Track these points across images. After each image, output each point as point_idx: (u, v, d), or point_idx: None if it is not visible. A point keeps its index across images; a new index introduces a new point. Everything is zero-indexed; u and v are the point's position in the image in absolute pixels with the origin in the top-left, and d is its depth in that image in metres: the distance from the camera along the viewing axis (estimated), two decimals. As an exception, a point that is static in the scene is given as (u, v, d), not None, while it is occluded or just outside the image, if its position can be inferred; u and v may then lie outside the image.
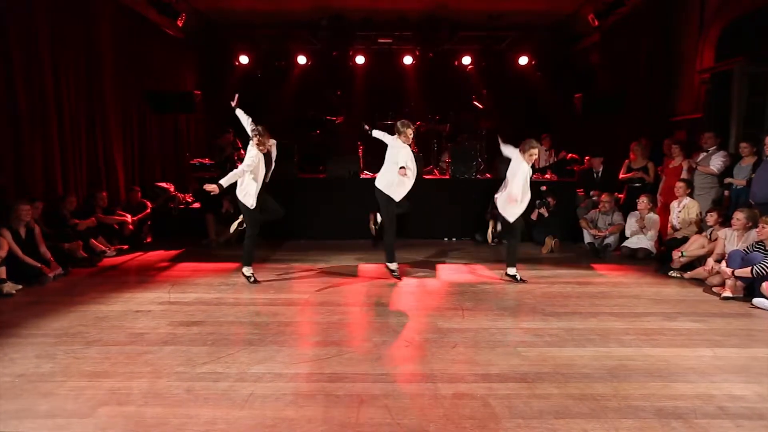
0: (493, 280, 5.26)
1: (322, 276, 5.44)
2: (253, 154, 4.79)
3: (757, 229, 4.64)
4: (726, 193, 6.03)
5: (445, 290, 4.94)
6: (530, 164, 4.97)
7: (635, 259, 6.18)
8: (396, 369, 3.17)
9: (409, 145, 5.08)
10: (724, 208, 5.77)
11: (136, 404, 2.74)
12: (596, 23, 8.32)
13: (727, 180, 5.84)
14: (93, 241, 6.12)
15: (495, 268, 5.78)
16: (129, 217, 6.91)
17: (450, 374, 3.08)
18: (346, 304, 4.50)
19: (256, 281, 5.01)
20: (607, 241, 6.55)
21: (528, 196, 4.98)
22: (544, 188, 7.16)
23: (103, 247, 6.21)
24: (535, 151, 4.95)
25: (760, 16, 6.44)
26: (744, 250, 4.69)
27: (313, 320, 4.09)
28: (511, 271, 5.17)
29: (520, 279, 5.12)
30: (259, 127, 4.85)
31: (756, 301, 4.36)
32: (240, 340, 3.62)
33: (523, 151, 4.92)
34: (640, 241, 6.29)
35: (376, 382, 2.98)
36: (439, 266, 5.90)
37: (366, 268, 5.81)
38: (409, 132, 5.02)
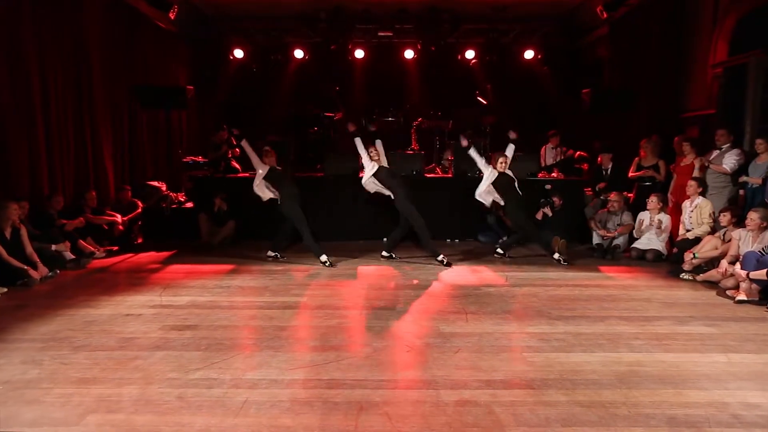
0: (497, 283, 5.26)
1: (320, 278, 5.44)
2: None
3: (773, 230, 4.64)
4: (741, 192, 6.02)
5: (447, 293, 4.93)
6: (498, 170, 6.05)
7: (645, 261, 6.18)
8: (396, 375, 3.17)
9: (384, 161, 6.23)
10: (738, 207, 5.76)
11: (126, 412, 2.73)
12: (605, 15, 8.31)
13: (742, 178, 5.83)
14: (81, 242, 6.12)
15: (499, 270, 5.78)
16: (119, 217, 6.91)
17: (453, 380, 3.08)
18: (344, 307, 4.50)
19: (332, 264, 5.92)
20: (616, 242, 6.54)
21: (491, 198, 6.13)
22: (548, 187, 7.15)
23: (92, 249, 6.22)
24: (502, 159, 6.04)
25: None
26: (760, 251, 4.68)
27: (311, 324, 4.09)
28: (500, 250, 6.36)
29: (504, 254, 6.29)
30: (266, 148, 6.08)
31: (771, 304, 4.36)
32: (234, 344, 3.62)
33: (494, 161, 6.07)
34: (651, 242, 6.29)
35: (376, 389, 2.98)
36: (442, 268, 5.88)
37: (365, 270, 5.81)
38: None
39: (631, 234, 6.54)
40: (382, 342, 3.68)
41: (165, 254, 6.50)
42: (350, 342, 3.73)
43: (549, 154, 8.79)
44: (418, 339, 3.74)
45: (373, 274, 5.67)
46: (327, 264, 5.85)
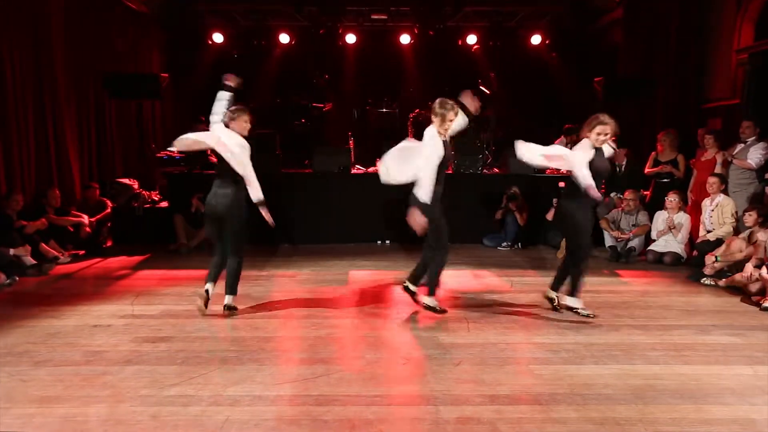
0: (501, 289, 5.28)
1: (308, 285, 5.44)
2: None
3: (802, 230, 4.68)
4: (767, 189, 6.07)
5: (447, 300, 4.94)
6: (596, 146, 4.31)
7: (663, 265, 6.22)
8: (392, 390, 3.17)
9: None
10: (764, 206, 5.80)
11: (93, 432, 2.72)
12: (619, -4, 8.37)
13: (769, 175, 5.88)
14: (43, 245, 6.08)
15: (504, 275, 5.80)
16: (86, 218, 6.87)
17: (453, 396, 3.09)
18: (334, 316, 4.50)
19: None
20: (631, 244, 6.58)
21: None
22: (562, 185, 7.19)
23: (56, 253, 6.17)
24: (603, 128, 4.29)
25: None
26: (786, 253, 4.73)
27: (298, 335, 4.08)
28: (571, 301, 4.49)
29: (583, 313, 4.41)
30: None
31: (800, 311, 4.40)
32: (214, 358, 3.61)
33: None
34: (669, 244, 6.33)
35: (370, 405, 2.98)
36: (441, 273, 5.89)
37: (357, 275, 5.82)
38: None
39: (647, 235, 6.59)
40: (376, 354, 3.68)
41: (137, 259, 6.48)
42: (341, 354, 3.72)
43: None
44: (415, 350, 3.74)
45: (365, 279, 5.67)
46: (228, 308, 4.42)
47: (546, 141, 8.90)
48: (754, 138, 6.09)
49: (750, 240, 5.41)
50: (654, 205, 6.80)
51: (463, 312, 4.56)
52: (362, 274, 5.87)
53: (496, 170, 8.07)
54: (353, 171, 7.66)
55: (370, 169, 7.87)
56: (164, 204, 7.83)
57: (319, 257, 6.53)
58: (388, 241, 7.39)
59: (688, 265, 6.05)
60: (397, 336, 4.02)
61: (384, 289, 5.30)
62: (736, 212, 5.87)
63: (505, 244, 7.21)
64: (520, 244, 7.20)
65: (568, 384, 3.23)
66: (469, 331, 4.11)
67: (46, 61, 6.94)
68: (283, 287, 5.35)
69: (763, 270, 4.79)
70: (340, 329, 4.21)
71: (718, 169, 6.28)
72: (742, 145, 6.16)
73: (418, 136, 9.06)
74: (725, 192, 6.03)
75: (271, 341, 3.91)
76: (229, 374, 3.35)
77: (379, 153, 7.89)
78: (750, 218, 5.50)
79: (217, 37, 10.25)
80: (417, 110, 9.09)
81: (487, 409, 2.93)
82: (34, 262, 5.78)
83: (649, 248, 6.51)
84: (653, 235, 6.48)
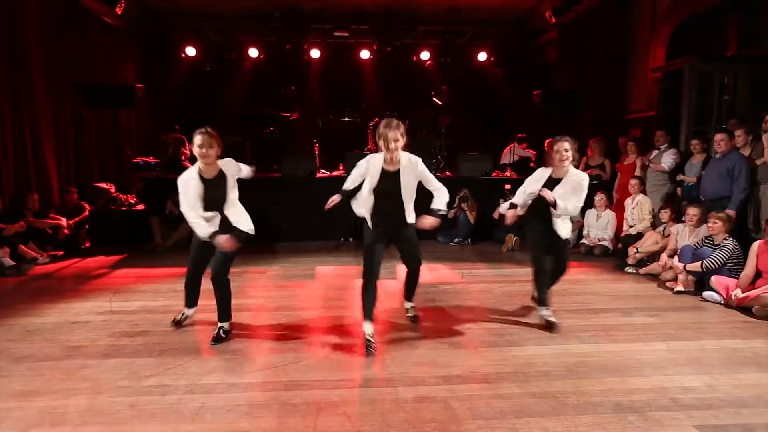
0: (453, 280, 5.35)
1: (277, 280, 5.37)
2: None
3: (708, 225, 4.93)
4: (678, 189, 6.38)
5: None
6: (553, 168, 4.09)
7: (593, 256, 6.44)
8: (355, 374, 3.18)
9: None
10: (677, 204, 6.10)
11: (72, 424, 2.61)
12: (554, 20, 8.61)
13: (679, 177, 6.17)
14: (22, 247, 5.80)
15: (456, 268, 5.89)
16: (64, 221, 6.58)
17: (410, 377, 3.12)
18: (302, 308, 4.47)
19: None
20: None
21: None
22: (508, 187, 7.35)
23: (35, 254, 5.89)
24: (559, 146, 3.99)
25: (709, 16, 6.85)
26: (694, 245, 4.98)
27: (268, 326, 4.03)
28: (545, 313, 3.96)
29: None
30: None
31: (706, 294, 4.64)
32: (189, 349, 3.53)
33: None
34: (598, 237, 6.56)
35: (335, 389, 2.97)
36: (399, 267, 5.88)
37: (323, 270, 5.79)
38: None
39: (579, 230, 6.81)
40: (340, 341, 3.68)
41: (114, 258, 6.25)
42: (308, 343, 3.70)
43: (507, 154, 9.00)
44: (376, 337, 3.75)
45: (330, 274, 5.65)
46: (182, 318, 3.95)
47: (490, 145, 9.10)
48: (666, 145, 6.38)
49: (664, 233, 5.68)
50: (585, 204, 7.01)
51: (419, 301, 4.59)
52: (327, 269, 5.85)
53: (449, 174, 8.16)
54: (318, 175, 7.61)
55: (334, 173, 7.83)
56: (140, 207, 7.58)
57: (287, 254, 6.47)
58: (351, 239, 7.37)
59: (615, 256, 6.29)
60: (359, 325, 4.01)
61: (347, 282, 5.29)
62: (653, 209, 6.14)
63: (457, 240, 7.32)
64: (470, 239, 7.32)
65: (512, 364, 3.31)
66: (425, 319, 4.15)
67: (22, 72, 6.60)
68: (255, 282, 5.27)
69: (675, 259, 5.02)
70: (307, 320, 4.18)
71: (637, 172, 6.55)
72: (657, 151, 6.44)
73: (377, 143, 9.01)
74: (644, 192, 6.31)
75: (244, 332, 3.84)
76: (204, 364, 3.29)
77: (342, 158, 7.90)
78: (665, 215, 5.77)
79: (190, 51, 9.99)
80: (376, 119, 9.08)
81: (441, 389, 2.97)
82: (13, 263, 5.50)
83: (581, 242, 6.73)
84: (584, 230, 6.71)
